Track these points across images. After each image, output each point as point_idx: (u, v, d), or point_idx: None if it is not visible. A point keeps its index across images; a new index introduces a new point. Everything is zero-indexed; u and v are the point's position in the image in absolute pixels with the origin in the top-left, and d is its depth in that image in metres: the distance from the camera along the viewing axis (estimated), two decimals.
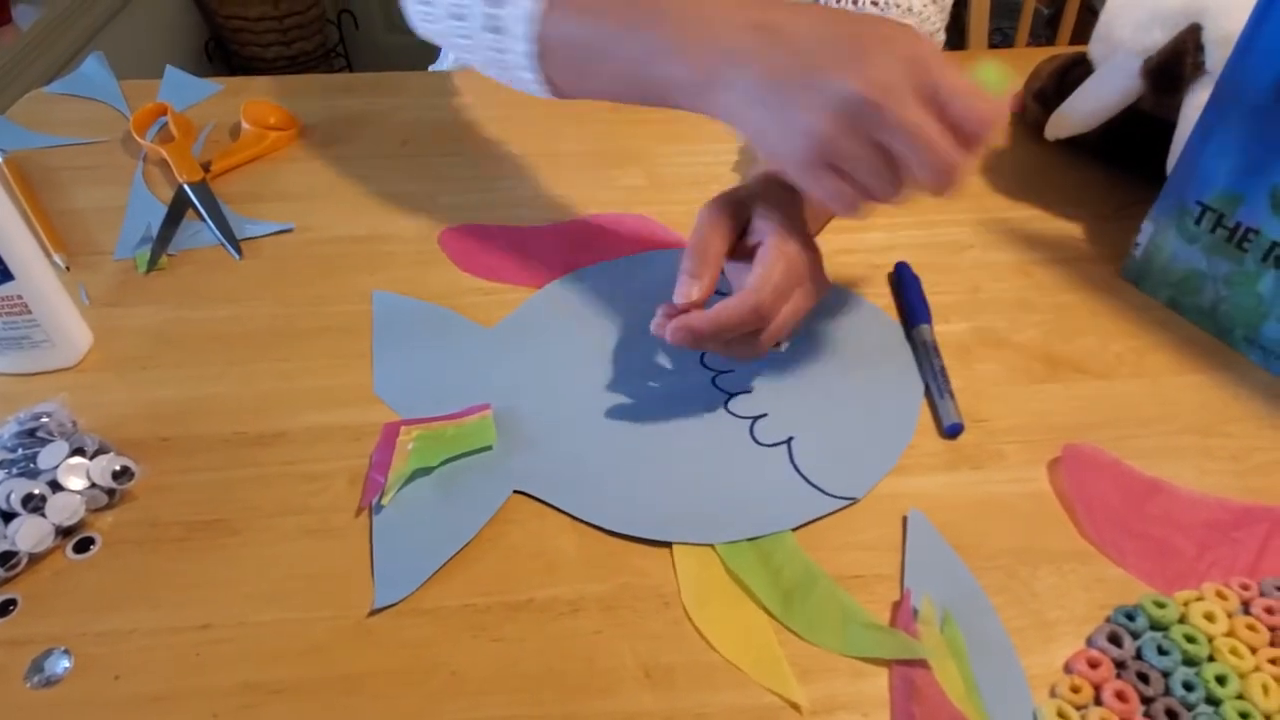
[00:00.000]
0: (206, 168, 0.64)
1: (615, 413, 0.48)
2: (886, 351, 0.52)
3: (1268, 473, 0.45)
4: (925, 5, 0.64)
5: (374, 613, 0.39)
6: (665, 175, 0.66)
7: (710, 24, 0.40)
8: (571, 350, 0.51)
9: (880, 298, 0.56)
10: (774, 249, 0.44)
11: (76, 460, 0.43)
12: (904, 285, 0.55)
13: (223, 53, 1.96)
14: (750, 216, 0.46)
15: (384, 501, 0.43)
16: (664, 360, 0.51)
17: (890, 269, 0.57)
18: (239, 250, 0.58)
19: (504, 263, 0.57)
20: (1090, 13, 1.46)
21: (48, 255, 0.56)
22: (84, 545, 0.42)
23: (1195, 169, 0.51)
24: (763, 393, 0.49)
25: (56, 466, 0.42)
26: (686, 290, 0.44)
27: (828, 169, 0.39)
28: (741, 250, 0.46)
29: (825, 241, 0.59)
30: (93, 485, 0.42)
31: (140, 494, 0.44)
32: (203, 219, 0.61)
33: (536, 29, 0.44)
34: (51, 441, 0.43)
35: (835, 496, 0.44)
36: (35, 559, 0.41)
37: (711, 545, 0.42)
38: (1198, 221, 0.52)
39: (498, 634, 0.39)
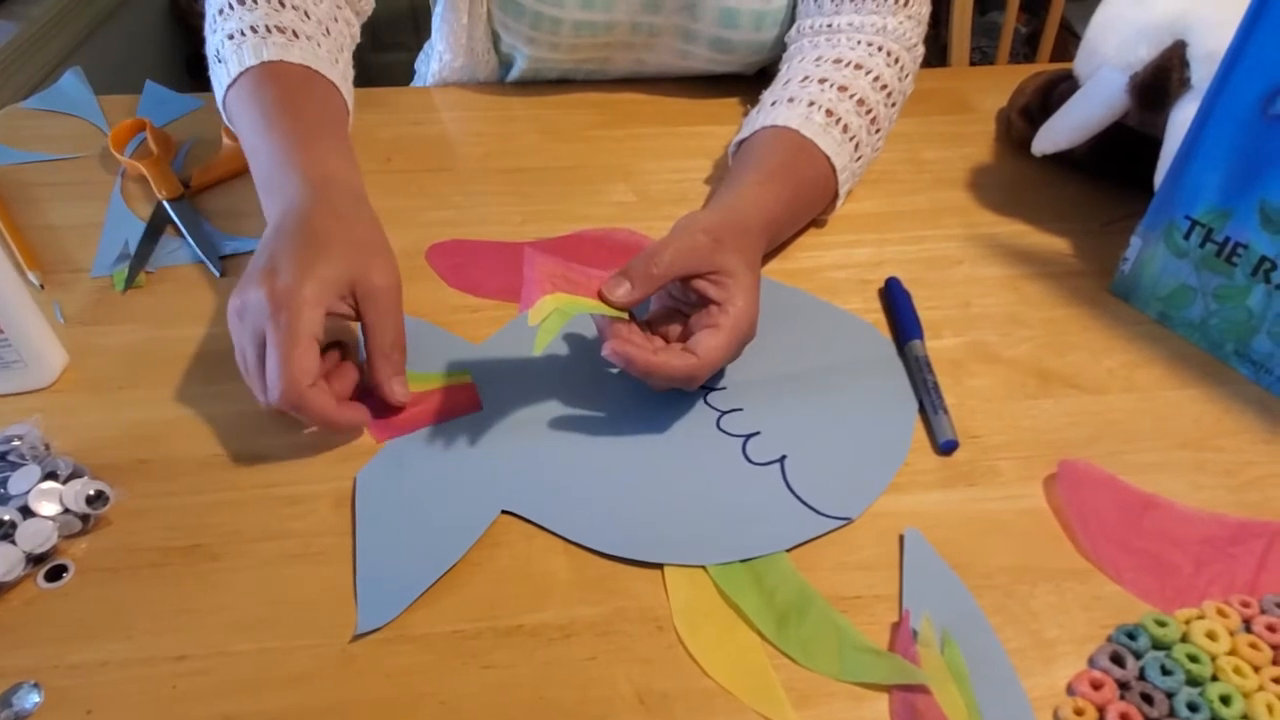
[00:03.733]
0: (187, 184, 0.63)
1: (605, 430, 0.47)
2: (879, 368, 0.51)
3: (1262, 487, 0.45)
4: (902, 22, 0.64)
5: (357, 638, 0.38)
6: (653, 191, 0.65)
7: (272, 189, 0.49)
8: (560, 367, 0.51)
9: (871, 313, 0.55)
10: (732, 323, 0.46)
11: (49, 485, 0.41)
12: (895, 301, 0.55)
13: (204, 69, 1.95)
14: (721, 265, 0.46)
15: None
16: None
17: (881, 284, 0.57)
18: (220, 268, 0.57)
19: (492, 279, 0.57)
20: (1068, 31, 1.48)
21: (21, 273, 0.55)
22: (56, 573, 0.40)
23: (1183, 184, 0.51)
24: (755, 410, 0.48)
25: (28, 491, 0.41)
26: (613, 288, 0.45)
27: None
28: (700, 287, 0.47)
29: (814, 256, 0.60)
30: (66, 511, 0.41)
31: (116, 519, 0.42)
32: (183, 236, 0.59)
33: (223, 98, 0.56)
34: (23, 465, 0.42)
35: (830, 516, 0.43)
36: (5, 588, 0.39)
37: (703, 567, 0.41)
38: (1186, 236, 0.52)
39: (487, 661, 0.37)
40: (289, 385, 0.41)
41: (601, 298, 0.45)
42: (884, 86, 0.61)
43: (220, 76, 0.55)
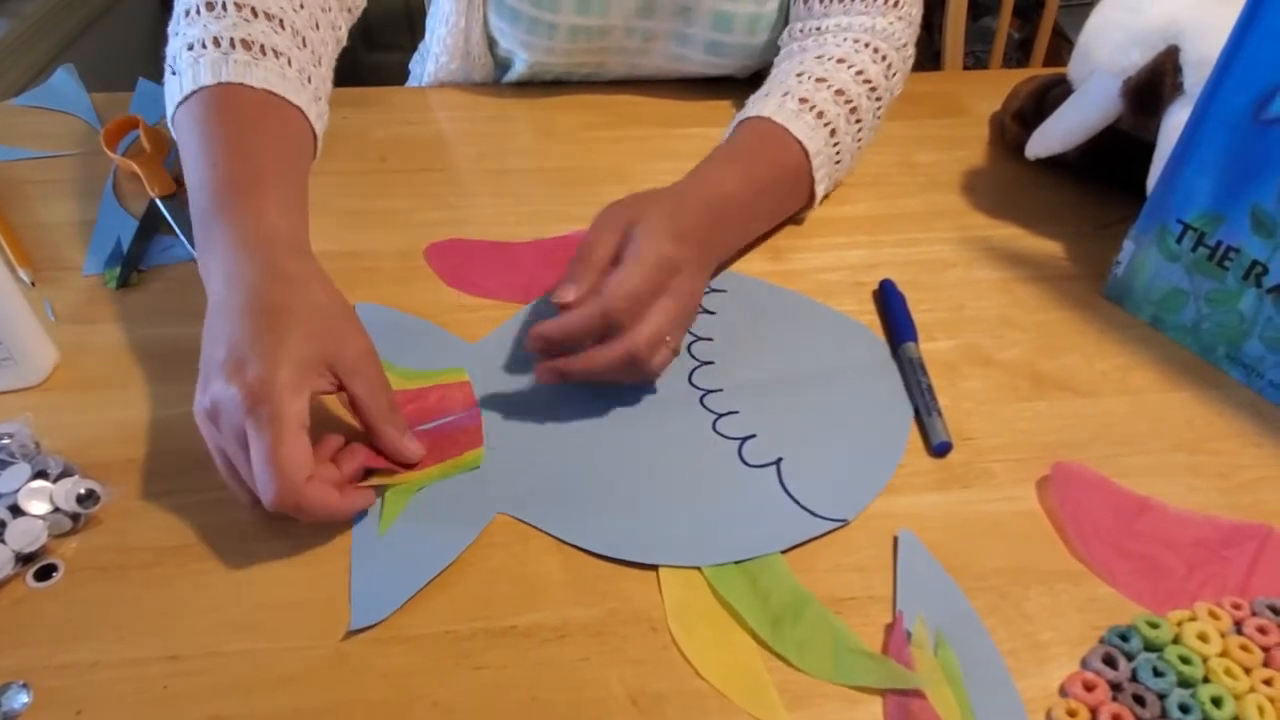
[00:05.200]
0: (180, 182, 0.63)
1: (601, 432, 0.47)
2: (874, 370, 0.51)
3: (1254, 490, 0.45)
4: (892, 22, 0.64)
5: (350, 634, 0.38)
6: None
7: (205, 245, 0.43)
8: None
9: (865, 315, 0.55)
10: (634, 255, 0.45)
11: (39, 483, 0.41)
12: (889, 303, 0.55)
13: None
14: (629, 219, 0.47)
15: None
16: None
17: (875, 286, 0.57)
18: None
19: (488, 278, 0.57)
20: (1061, 36, 1.49)
21: (12, 271, 0.54)
22: (45, 573, 0.40)
23: (1175, 189, 0.51)
24: (751, 413, 0.48)
25: (17, 490, 0.41)
26: (563, 292, 0.45)
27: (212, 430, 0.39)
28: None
29: (808, 258, 0.60)
30: (56, 509, 0.41)
31: (106, 518, 0.42)
32: (175, 234, 0.59)
33: (173, 114, 0.49)
34: (13, 464, 0.42)
35: (826, 518, 0.43)
36: None
37: (698, 568, 0.41)
38: (1179, 240, 0.52)
39: (480, 662, 0.37)
40: (284, 484, 0.37)
41: (559, 303, 0.45)
42: (867, 80, 0.61)
43: (172, 89, 0.49)
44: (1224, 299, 0.51)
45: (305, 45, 0.52)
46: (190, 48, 0.48)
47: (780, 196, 0.59)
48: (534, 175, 0.67)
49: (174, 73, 0.49)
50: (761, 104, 0.59)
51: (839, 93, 0.60)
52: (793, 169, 0.58)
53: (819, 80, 0.60)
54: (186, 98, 0.47)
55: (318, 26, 0.54)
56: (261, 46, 0.49)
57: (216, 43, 0.48)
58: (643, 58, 0.74)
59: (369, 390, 0.41)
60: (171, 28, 0.51)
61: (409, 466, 0.43)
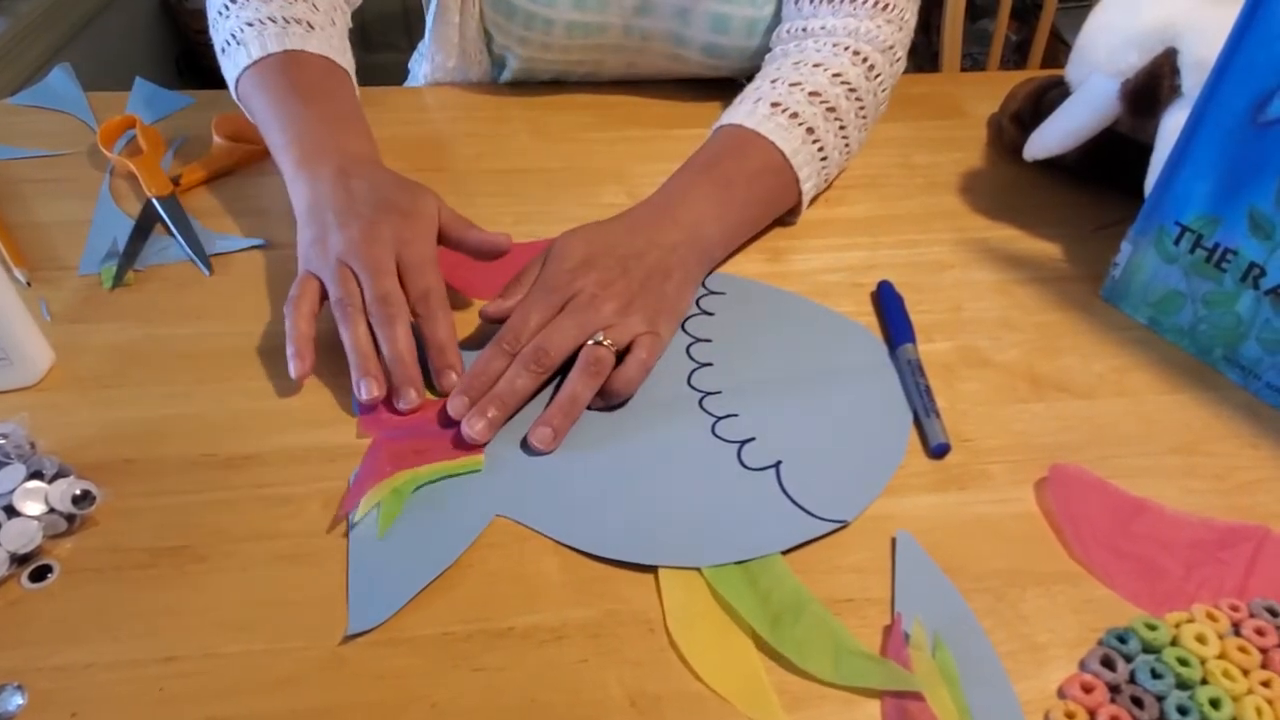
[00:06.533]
0: (176, 182, 0.63)
1: (600, 435, 0.47)
2: (872, 371, 0.51)
3: (1251, 492, 0.46)
4: (880, 25, 0.63)
5: (347, 639, 0.38)
6: (645, 193, 0.64)
7: (314, 156, 0.54)
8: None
9: (863, 317, 0.55)
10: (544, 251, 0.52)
11: (34, 484, 0.41)
12: (887, 304, 0.55)
13: (194, 67, 1.94)
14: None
15: (356, 518, 0.42)
16: (649, 381, 0.50)
17: (873, 288, 0.57)
18: (209, 266, 0.57)
19: (487, 278, 0.56)
20: (1058, 39, 1.49)
21: (8, 270, 0.54)
22: (40, 574, 0.40)
23: (1173, 190, 0.52)
24: (750, 415, 0.48)
25: (12, 490, 0.40)
26: (495, 305, 0.51)
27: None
28: None
29: (807, 259, 0.60)
30: (51, 510, 0.40)
31: (102, 519, 0.42)
32: (172, 234, 0.59)
33: (238, 76, 0.59)
34: (8, 464, 0.42)
35: (825, 519, 0.43)
36: None
37: (698, 569, 0.41)
38: (1176, 242, 0.52)
39: (478, 664, 0.37)
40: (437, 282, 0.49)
41: (484, 315, 0.50)
42: (845, 82, 0.61)
43: (238, 57, 0.58)
44: (1221, 301, 0.51)
45: (334, 24, 0.63)
46: (250, 24, 0.58)
47: (758, 191, 0.58)
48: (532, 175, 0.67)
49: (239, 43, 0.58)
50: (733, 112, 0.60)
51: (813, 94, 0.60)
52: (766, 166, 0.58)
53: (793, 85, 0.60)
54: (256, 61, 0.57)
55: (337, 10, 0.65)
56: (308, 23, 0.60)
57: (273, 20, 0.58)
58: (641, 58, 0.74)
59: (451, 216, 0.53)
60: (218, 11, 0.61)
61: (390, 409, 0.47)
